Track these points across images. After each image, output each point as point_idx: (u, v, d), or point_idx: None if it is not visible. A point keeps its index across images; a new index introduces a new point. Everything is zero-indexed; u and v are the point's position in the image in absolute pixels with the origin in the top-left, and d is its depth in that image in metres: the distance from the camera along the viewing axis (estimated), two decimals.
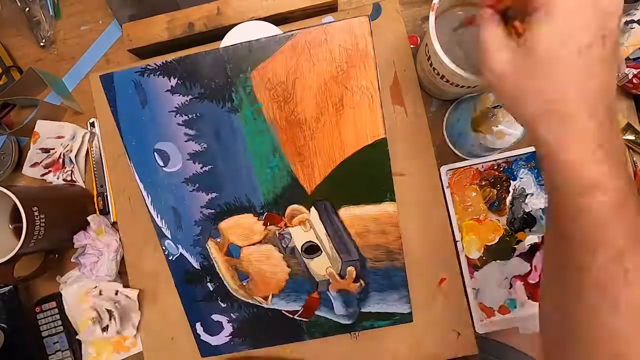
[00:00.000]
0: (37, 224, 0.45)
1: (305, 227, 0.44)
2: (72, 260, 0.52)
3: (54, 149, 0.54)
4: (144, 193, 0.43)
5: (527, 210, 0.52)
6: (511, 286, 0.52)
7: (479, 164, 0.51)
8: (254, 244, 0.45)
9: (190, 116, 0.41)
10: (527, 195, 0.52)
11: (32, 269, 0.52)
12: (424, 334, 0.51)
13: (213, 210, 0.44)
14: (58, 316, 0.54)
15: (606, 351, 0.24)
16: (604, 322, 0.24)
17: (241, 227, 0.44)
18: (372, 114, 0.40)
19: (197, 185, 0.43)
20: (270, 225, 0.44)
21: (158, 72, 0.39)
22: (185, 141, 0.41)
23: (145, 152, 0.42)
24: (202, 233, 0.44)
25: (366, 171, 0.42)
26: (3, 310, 0.53)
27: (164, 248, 0.45)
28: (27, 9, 0.56)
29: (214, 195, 0.43)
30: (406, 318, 0.47)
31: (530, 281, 0.52)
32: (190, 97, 0.40)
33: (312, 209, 0.43)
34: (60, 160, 0.54)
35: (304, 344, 0.51)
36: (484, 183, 0.52)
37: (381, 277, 0.46)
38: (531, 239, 0.52)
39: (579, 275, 0.25)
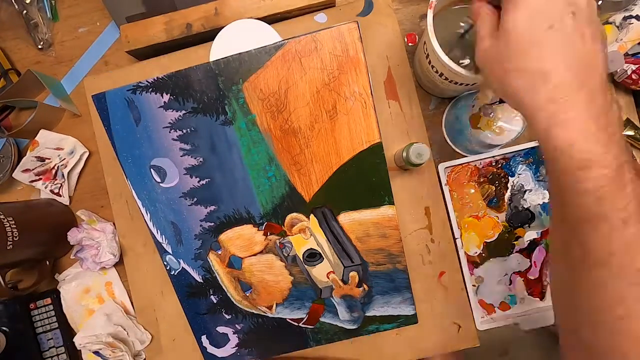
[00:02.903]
0: (6, 225, 0.45)
1: (306, 234, 0.44)
2: (72, 257, 0.52)
3: (49, 159, 0.54)
4: (143, 210, 0.43)
5: (526, 206, 0.51)
6: (511, 282, 0.52)
7: (477, 160, 0.51)
8: (255, 255, 0.45)
9: (184, 131, 0.41)
10: (525, 191, 0.51)
11: (31, 282, 0.52)
12: (425, 327, 0.51)
13: (212, 223, 0.44)
14: (53, 312, 0.54)
15: (611, 315, 0.25)
16: (609, 289, 0.25)
17: (241, 238, 0.44)
18: (367, 119, 0.40)
19: (195, 199, 0.43)
20: (270, 234, 0.44)
21: (150, 89, 0.39)
22: (181, 156, 0.41)
23: (141, 169, 0.42)
24: (202, 246, 0.44)
25: (363, 176, 0.42)
26: (4, 314, 0.53)
27: (165, 263, 0.45)
28: (25, 11, 0.56)
29: (212, 208, 0.43)
30: (411, 320, 0.47)
31: (530, 277, 0.52)
32: (183, 112, 0.40)
33: (312, 216, 0.43)
34: (53, 172, 0.54)
35: None
36: (482, 180, 0.52)
37: (384, 281, 0.46)
38: (530, 235, 0.52)
39: (583, 249, 0.25)
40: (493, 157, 0.51)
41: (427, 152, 0.43)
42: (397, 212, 0.45)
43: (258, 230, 0.44)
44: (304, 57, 0.39)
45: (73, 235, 0.51)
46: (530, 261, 0.52)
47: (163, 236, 0.44)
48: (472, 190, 0.52)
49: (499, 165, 0.52)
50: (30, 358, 0.53)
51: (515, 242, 0.52)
